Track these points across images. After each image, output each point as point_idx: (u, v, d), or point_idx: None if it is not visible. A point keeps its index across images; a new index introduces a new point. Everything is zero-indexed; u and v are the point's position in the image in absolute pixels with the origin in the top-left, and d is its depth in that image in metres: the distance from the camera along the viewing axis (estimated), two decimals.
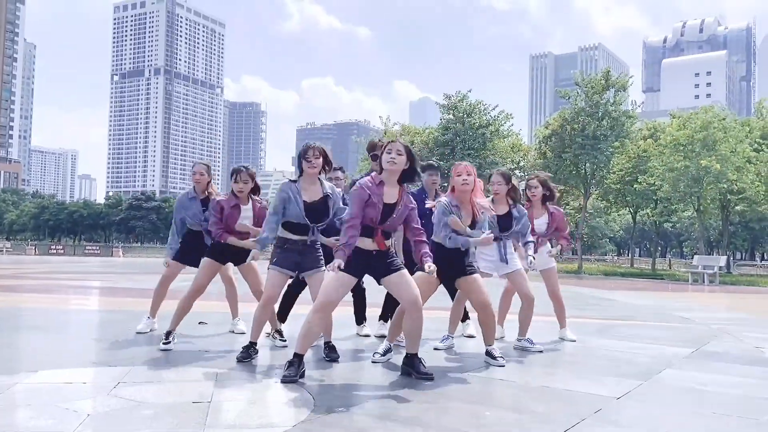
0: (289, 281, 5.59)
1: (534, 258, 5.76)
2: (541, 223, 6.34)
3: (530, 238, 5.87)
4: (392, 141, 4.45)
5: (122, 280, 16.91)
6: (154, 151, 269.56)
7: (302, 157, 4.90)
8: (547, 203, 6.43)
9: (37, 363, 4.77)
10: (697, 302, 14.04)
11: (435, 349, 5.71)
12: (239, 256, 5.66)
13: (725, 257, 27.04)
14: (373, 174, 4.51)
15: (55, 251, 48.85)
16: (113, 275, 19.45)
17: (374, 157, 4.59)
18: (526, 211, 5.95)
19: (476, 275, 5.01)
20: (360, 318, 6.58)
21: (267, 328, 6.21)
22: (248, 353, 4.97)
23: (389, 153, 4.36)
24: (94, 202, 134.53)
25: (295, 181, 4.95)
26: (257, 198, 5.73)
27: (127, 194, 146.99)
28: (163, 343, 5.42)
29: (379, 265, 4.46)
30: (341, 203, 5.10)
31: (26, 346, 5.78)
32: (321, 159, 4.91)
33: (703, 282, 23.23)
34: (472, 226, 4.94)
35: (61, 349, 5.61)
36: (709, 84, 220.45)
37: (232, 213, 5.50)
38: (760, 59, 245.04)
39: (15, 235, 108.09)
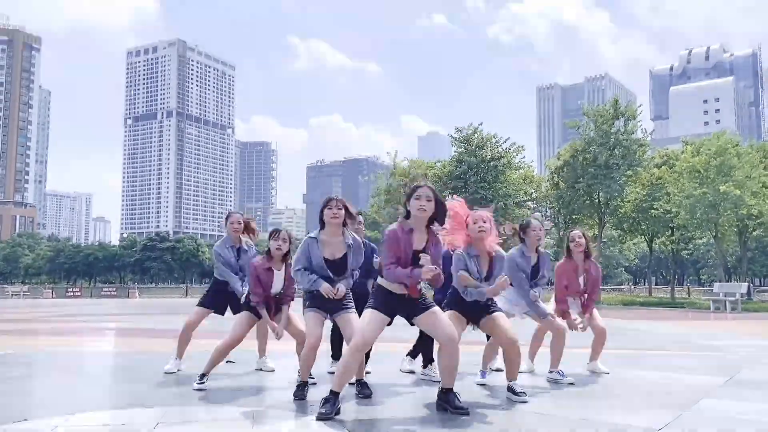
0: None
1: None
2: (582, 280, 6.22)
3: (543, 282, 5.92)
4: (420, 186, 4.44)
5: (141, 320, 16.96)
6: (167, 192, 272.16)
7: (325, 207, 4.93)
8: (588, 258, 6.28)
9: (73, 406, 4.78)
10: (722, 330, 13.84)
11: (479, 384, 5.67)
12: (277, 308, 5.68)
13: (746, 284, 26.67)
14: (400, 220, 4.50)
15: (72, 294, 49.07)
16: (132, 316, 19.50)
17: (404, 215, 4.64)
18: (549, 254, 6.00)
19: (498, 314, 4.95)
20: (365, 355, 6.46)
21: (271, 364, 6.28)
22: (302, 392, 4.95)
23: (418, 199, 4.36)
24: (108, 244, 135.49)
25: (315, 238, 4.95)
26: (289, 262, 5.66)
27: (141, 235, 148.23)
28: (197, 383, 5.44)
29: (410, 305, 4.49)
30: (361, 251, 5.15)
31: (58, 389, 5.78)
32: (344, 210, 4.92)
33: (725, 309, 22.89)
34: (489, 275, 4.91)
35: (93, 392, 5.63)
36: (717, 110, 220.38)
37: (267, 276, 5.51)
38: None
39: (31, 279, 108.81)
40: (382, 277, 4.47)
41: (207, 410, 4.57)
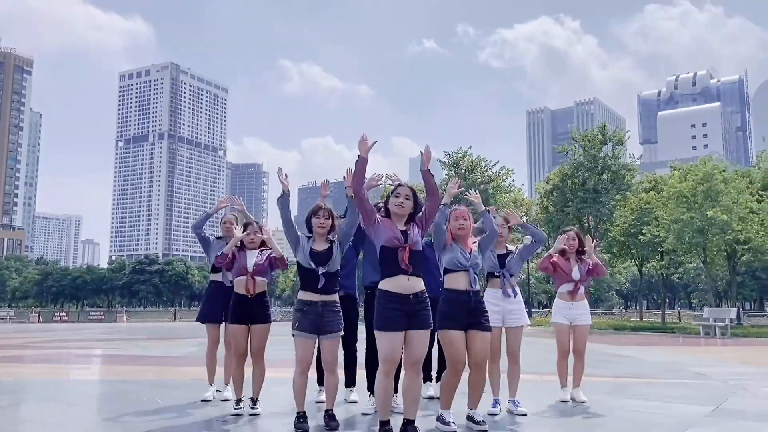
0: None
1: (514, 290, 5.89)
2: (576, 271, 6.48)
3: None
4: (400, 185, 4.61)
5: (128, 346, 16.80)
6: (158, 214, 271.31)
7: (313, 215, 5.08)
8: (581, 256, 6.59)
9: None
10: (711, 356, 13.87)
11: (490, 414, 5.61)
12: (257, 318, 5.73)
13: (735, 309, 26.77)
14: (381, 217, 4.65)
15: (59, 318, 48.52)
16: (119, 341, 19.31)
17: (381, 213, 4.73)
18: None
19: (485, 334, 4.84)
20: (349, 381, 6.26)
21: (229, 393, 6.30)
22: (303, 424, 4.92)
23: (397, 197, 4.54)
24: (97, 267, 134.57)
25: (310, 237, 5.12)
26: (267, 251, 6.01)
27: (131, 258, 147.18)
28: (234, 408, 5.66)
29: (414, 313, 4.43)
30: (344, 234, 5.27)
31: (47, 417, 5.71)
32: (330, 220, 5.08)
33: (715, 335, 22.94)
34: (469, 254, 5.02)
35: (80, 421, 5.56)
36: (705, 135, 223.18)
37: (240, 255, 5.82)
38: (755, 110, 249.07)
39: (18, 303, 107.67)
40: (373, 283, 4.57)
41: None
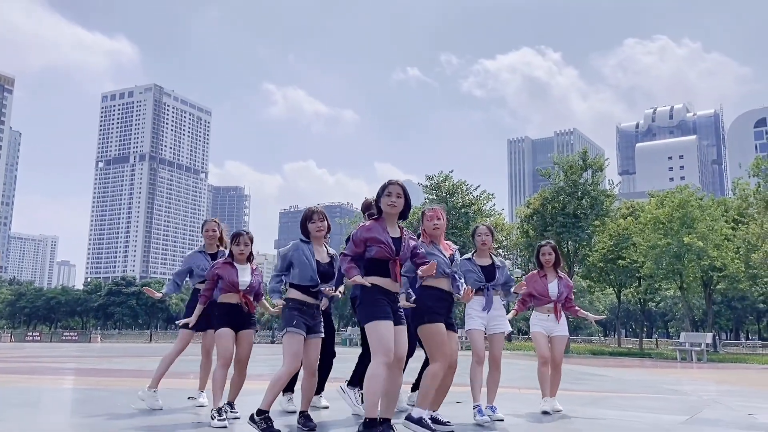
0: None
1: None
2: (553, 286, 6.53)
3: (512, 291, 6.16)
4: (391, 183, 4.58)
5: (101, 362, 16.51)
6: (136, 236, 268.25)
7: (308, 220, 5.03)
8: (557, 269, 6.66)
9: None
10: (687, 377, 13.98)
11: (479, 421, 5.56)
12: (244, 324, 5.58)
13: (711, 334, 27.04)
14: (372, 218, 4.63)
15: (31, 338, 47.57)
16: (91, 358, 18.96)
17: (371, 215, 4.72)
18: (506, 263, 6.17)
19: (454, 335, 4.97)
20: (319, 387, 6.14)
21: (204, 399, 6.17)
22: (310, 422, 4.88)
23: (389, 196, 4.51)
24: (72, 288, 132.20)
25: (307, 242, 5.03)
26: (254, 263, 5.81)
27: (107, 280, 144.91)
28: (218, 419, 5.16)
29: (395, 311, 4.47)
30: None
31: (17, 420, 5.58)
32: (326, 222, 5.08)
33: (691, 359, 23.14)
34: (451, 259, 5.01)
35: (51, 424, 5.46)
36: (682, 167, 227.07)
37: (229, 272, 5.51)
38: (730, 143, 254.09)
39: None
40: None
41: None
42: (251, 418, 4.71)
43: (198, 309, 5.78)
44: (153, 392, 6.19)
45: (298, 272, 4.93)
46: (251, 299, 5.59)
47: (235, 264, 5.57)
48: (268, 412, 4.69)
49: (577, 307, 6.69)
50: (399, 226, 4.60)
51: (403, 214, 4.61)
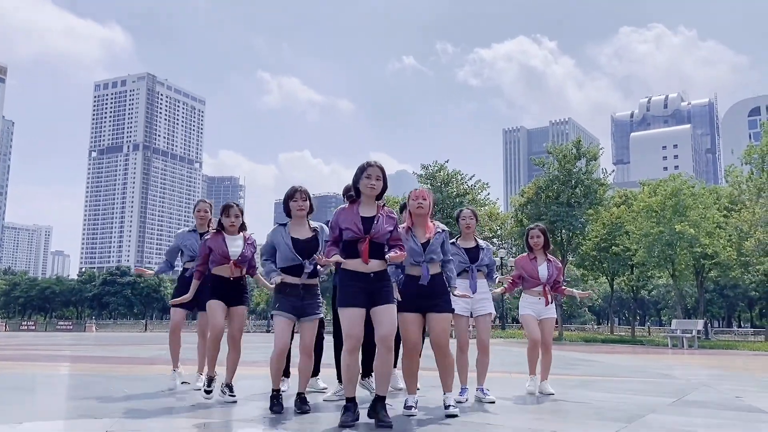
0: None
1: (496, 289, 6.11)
2: (543, 269, 6.59)
3: (495, 274, 6.26)
4: (370, 165, 4.60)
5: (95, 350, 16.56)
6: (130, 226, 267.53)
7: (290, 199, 5.12)
8: (546, 251, 6.73)
9: (22, 416, 4.70)
10: (677, 362, 14.14)
11: (481, 401, 5.71)
12: (236, 300, 5.67)
13: (702, 321, 27.30)
14: (350, 200, 4.67)
15: (26, 327, 47.59)
16: (86, 346, 19.01)
17: (350, 197, 4.75)
18: (492, 247, 6.24)
19: (444, 315, 4.95)
20: (315, 370, 6.17)
21: (201, 383, 6.19)
22: (278, 402, 4.97)
23: (368, 179, 4.55)
24: (66, 278, 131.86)
25: (284, 225, 5.14)
26: (247, 233, 5.86)
27: (102, 270, 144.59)
28: (205, 389, 5.53)
29: (375, 291, 4.48)
30: (325, 233, 5.20)
31: (6, 403, 5.64)
32: (308, 201, 5.14)
33: (682, 346, 23.35)
34: (426, 244, 4.97)
35: (43, 406, 5.52)
36: (676, 156, 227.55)
37: (219, 242, 5.61)
38: (724, 132, 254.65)
39: None
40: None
41: (158, 421, 4.53)
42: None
43: (193, 285, 5.87)
44: (198, 376, 6.45)
45: (278, 255, 5.05)
46: (244, 269, 5.67)
47: (225, 234, 5.65)
48: (278, 391, 4.97)
49: (563, 287, 6.77)
50: (378, 205, 4.63)
51: (379, 196, 4.65)
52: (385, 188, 4.64)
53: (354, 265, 4.47)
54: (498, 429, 4.44)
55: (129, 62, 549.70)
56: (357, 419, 4.32)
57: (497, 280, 6.56)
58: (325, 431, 4.23)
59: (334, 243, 4.54)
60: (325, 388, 6.24)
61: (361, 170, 4.60)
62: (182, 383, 6.55)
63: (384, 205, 4.70)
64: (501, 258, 34.11)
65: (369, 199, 4.61)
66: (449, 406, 4.94)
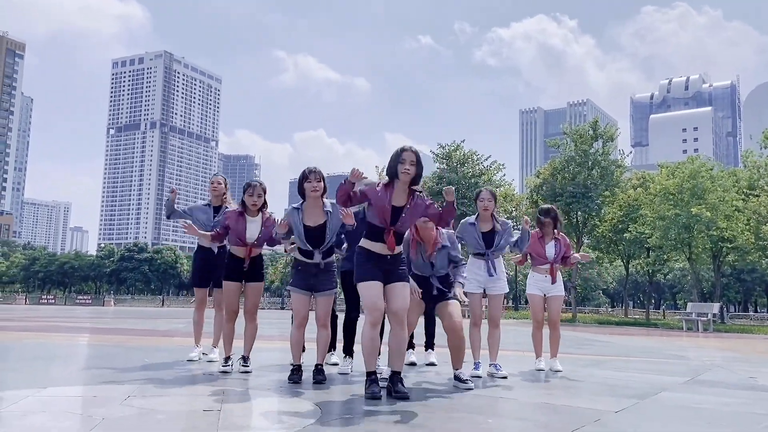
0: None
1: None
2: (550, 247, 6.63)
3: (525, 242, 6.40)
4: (405, 150, 4.58)
5: (115, 323, 16.86)
6: (148, 203, 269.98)
7: (304, 180, 5.15)
8: (555, 231, 6.75)
9: (45, 382, 4.85)
10: (692, 344, 14.11)
11: (494, 375, 5.84)
12: (252, 276, 5.75)
13: (719, 304, 27.12)
14: (385, 182, 4.63)
15: (45, 301, 48.43)
16: (106, 319, 19.35)
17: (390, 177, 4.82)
18: (510, 224, 6.30)
19: (453, 301, 5.17)
20: (330, 345, 6.25)
21: (215, 355, 6.37)
22: (297, 375, 5.11)
23: (403, 163, 4.52)
24: (85, 253, 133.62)
25: (298, 208, 5.18)
26: (267, 212, 5.88)
27: (120, 246, 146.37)
28: (222, 366, 5.64)
29: (392, 270, 4.59)
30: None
31: (30, 370, 5.80)
32: (322, 182, 5.19)
33: (697, 329, 23.26)
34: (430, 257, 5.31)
35: (66, 373, 5.67)
36: (696, 139, 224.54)
37: (239, 222, 5.64)
38: (745, 116, 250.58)
39: (4, 287, 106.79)
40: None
41: (179, 388, 4.65)
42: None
43: (207, 235, 5.95)
44: (212, 350, 6.57)
45: (295, 236, 5.17)
46: (260, 250, 5.74)
47: (246, 215, 5.66)
48: (299, 366, 5.14)
49: (570, 259, 6.79)
50: (410, 190, 4.59)
51: (414, 181, 4.60)
52: (420, 173, 4.60)
53: (377, 248, 4.56)
54: (510, 403, 4.51)
55: (146, 39, 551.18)
56: (381, 391, 4.40)
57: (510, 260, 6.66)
58: (343, 402, 4.32)
59: (349, 194, 4.50)
60: (336, 364, 6.35)
61: (397, 155, 4.58)
62: (202, 354, 6.69)
63: (419, 191, 4.65)
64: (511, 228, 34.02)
65: (403, 184, 4.59)
66: (466, 380, 5.04)
